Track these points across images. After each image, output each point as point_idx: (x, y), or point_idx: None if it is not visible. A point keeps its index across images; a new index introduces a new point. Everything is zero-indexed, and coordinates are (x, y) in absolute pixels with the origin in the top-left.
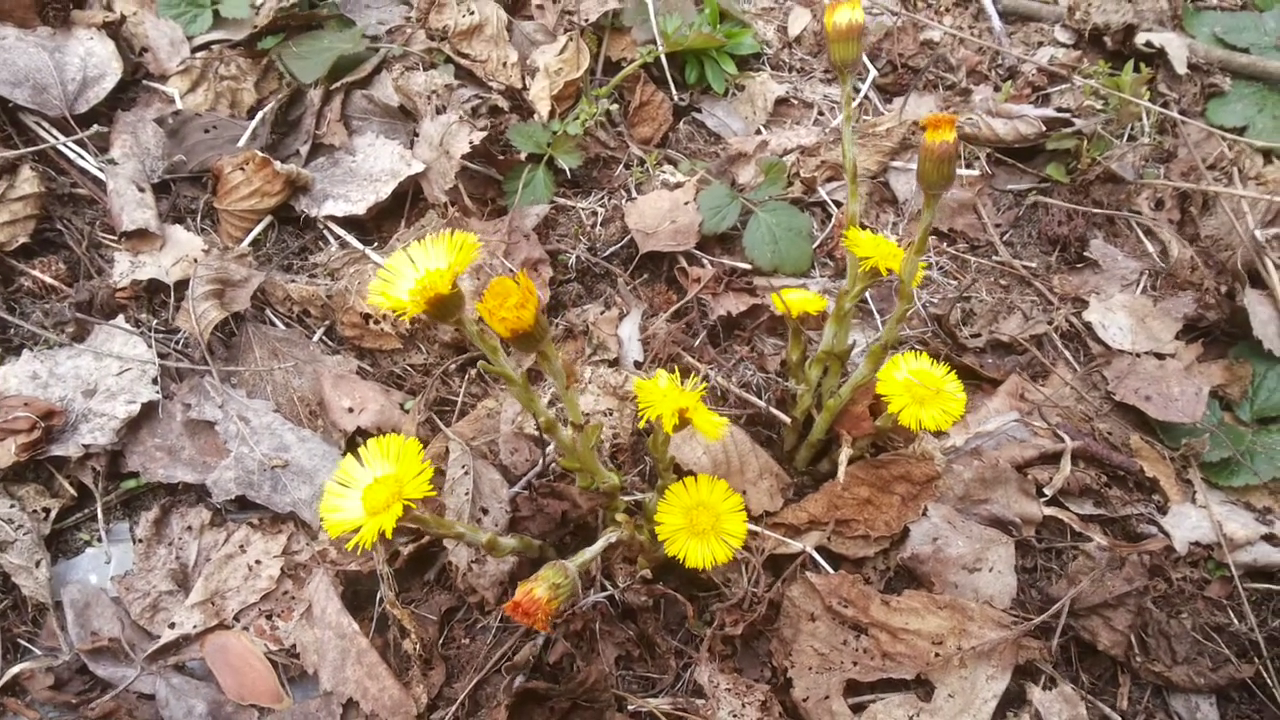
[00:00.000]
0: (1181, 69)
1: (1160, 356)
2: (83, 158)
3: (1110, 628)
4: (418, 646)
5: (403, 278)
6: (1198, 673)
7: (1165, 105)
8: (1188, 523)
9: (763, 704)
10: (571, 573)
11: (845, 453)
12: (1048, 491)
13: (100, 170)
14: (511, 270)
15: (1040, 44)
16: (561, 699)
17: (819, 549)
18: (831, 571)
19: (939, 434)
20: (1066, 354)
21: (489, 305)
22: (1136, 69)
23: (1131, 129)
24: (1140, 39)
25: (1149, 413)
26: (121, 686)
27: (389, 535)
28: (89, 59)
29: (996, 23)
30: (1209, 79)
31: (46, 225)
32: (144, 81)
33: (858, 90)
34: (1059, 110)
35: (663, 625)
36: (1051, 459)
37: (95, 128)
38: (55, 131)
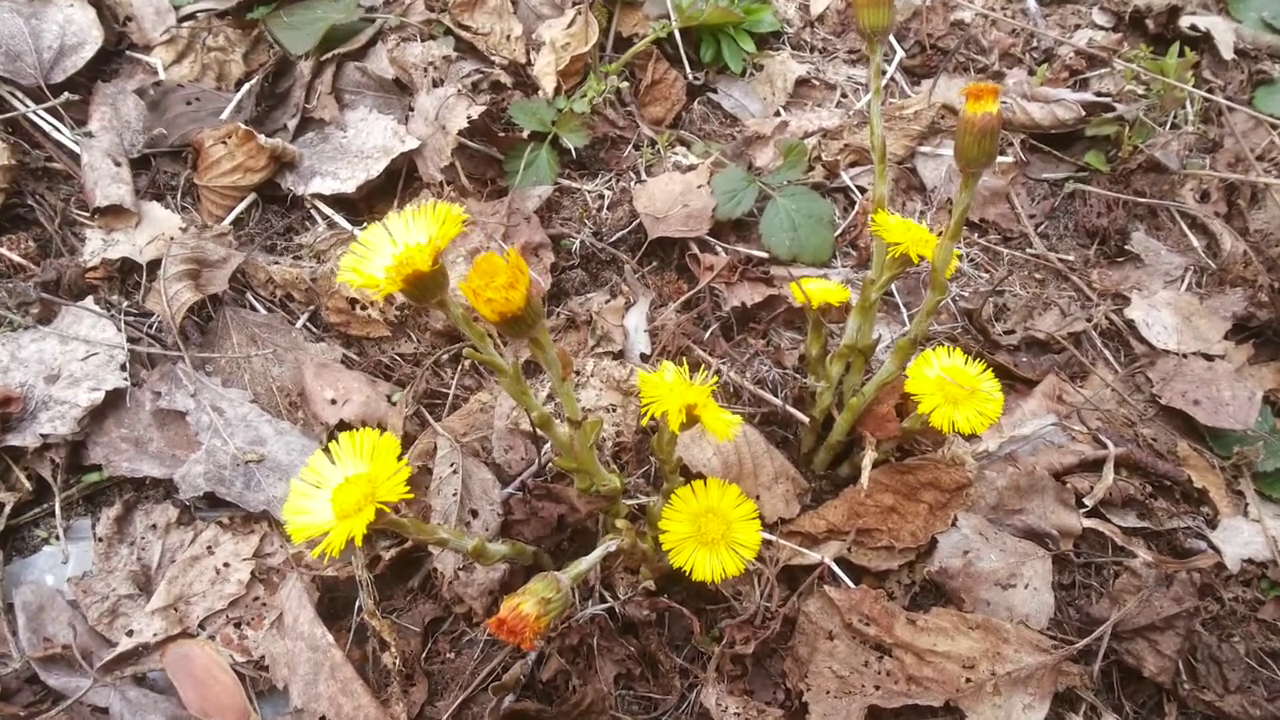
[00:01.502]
0: (1228, 54)
1: (1209, 358)
2: (58, 130)
3: (1157, 652)
4: (398, 661)
5: (379, 253)
6: (1252, 703)
7: (1211, 91)
8: (1240, 538)
9: None
10: (564, 586)
11: (869, 456)
12: (1088, 502)
13: (76, 143)
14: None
15: (1077, 26)
16: None
17: (839, 560)
18: (852, 585)
19: (971, 438)
20: (1107, 354)
21: (474, 284)
22: (1181, 53)
23: (1175, 116)
24: (1184, 22)
25: (1197, 418)
26: (73, 698)
27: (359, 542)
28: (67, 26)
29: (1031, 3)
30: (1257, 65)
31: (17, 200)
32: (127, 52)
33: (883, 71)
34: (1099, 95)
35: (666, 641)
36: (1092, 467)
37: (66, 96)
38: (29, 101)
